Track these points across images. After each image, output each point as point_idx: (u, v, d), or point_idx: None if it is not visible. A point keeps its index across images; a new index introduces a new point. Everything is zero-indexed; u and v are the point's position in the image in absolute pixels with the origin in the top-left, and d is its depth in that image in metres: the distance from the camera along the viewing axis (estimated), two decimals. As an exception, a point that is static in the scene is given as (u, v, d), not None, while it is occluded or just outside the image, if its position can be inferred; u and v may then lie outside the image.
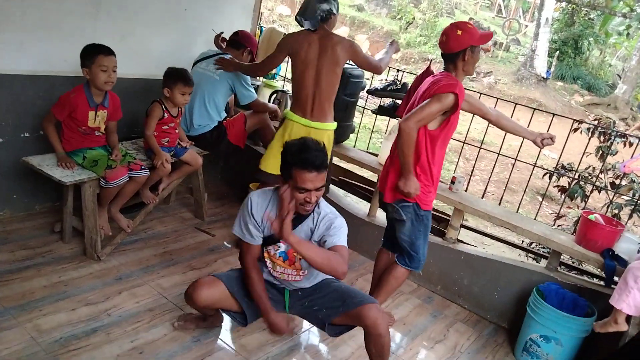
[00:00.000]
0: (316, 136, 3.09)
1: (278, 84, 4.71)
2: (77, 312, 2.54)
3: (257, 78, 4.57)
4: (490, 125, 3.02)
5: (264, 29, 4.61)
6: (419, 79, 3.52)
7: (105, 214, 3.11)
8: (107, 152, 3.03)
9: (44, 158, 2.96)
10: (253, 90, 3.63)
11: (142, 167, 3.08)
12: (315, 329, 2.83)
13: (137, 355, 2.35)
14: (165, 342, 2.47)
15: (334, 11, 3.08)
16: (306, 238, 2.21)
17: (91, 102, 2.90)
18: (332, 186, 4.07)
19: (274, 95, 4.26)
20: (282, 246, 2.26)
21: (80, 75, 2.87)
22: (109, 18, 3.30)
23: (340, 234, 2.17)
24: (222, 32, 3.75)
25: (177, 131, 3.30)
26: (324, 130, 3.16)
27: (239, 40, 3.65)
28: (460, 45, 2.60)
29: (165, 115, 3.15)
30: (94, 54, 2.81)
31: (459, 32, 2.59)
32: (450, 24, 2.69)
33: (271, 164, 3.17)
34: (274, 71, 4.53)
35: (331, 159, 3.35)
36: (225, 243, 3.52)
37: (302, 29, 3.13)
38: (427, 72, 3.48)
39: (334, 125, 3.23)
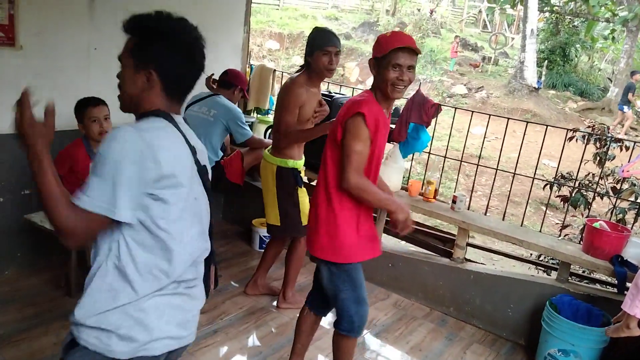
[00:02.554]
0: (263, 167, 3.07)
1: (272, 118, 4.75)
2: (88, 367, 2.50)
3: (251, 114, 4.62)
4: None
5: (254, 67, 4.68)
6: (411, 102, 3.56)
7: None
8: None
9: (46, 214, 2.96)
10: (248, 128, 3.66)
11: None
12: None
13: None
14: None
15: (309, 52, 2.85)
16: None
17: (91, 154, 2.91)
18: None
19: (269, 131, 4.29)
20: None
21: (76, 128, 2.91)
22: (100, 70, 3.35)
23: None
24: (212, 74, 3.80)
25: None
26: (266, 162, 3.04)
27: (229, 80, 3.70)
28: None
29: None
30: (82, 107, 2.87)
31: None
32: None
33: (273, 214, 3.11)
34: (267, 106, 4.59)
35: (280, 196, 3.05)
36: (232, 282, 3.50)
37: None
38: (417, 94, 3.54)
39: (276, 160, 2.97)
